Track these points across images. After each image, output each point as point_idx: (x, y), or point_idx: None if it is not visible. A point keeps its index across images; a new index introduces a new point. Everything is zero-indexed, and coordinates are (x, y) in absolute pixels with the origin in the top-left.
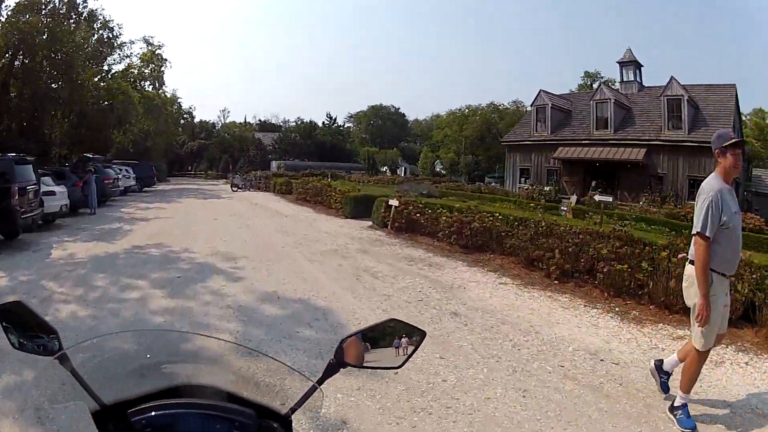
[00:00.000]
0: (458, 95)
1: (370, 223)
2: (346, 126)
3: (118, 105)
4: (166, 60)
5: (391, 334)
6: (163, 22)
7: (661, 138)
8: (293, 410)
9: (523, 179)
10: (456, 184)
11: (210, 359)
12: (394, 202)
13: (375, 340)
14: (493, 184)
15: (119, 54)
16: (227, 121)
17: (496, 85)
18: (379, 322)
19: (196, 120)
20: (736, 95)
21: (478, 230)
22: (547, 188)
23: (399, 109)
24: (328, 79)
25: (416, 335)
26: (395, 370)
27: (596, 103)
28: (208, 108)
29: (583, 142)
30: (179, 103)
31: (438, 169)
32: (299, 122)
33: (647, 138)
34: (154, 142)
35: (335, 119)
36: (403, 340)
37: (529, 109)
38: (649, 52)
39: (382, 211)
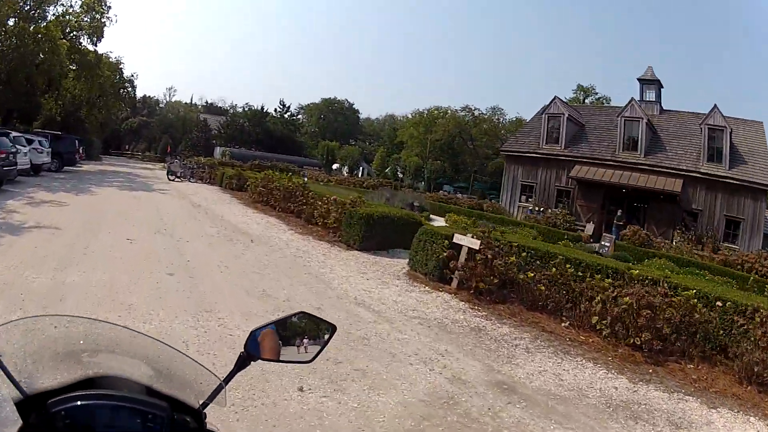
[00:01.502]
0: (417, 97)
1: (404, 266)
2: (297, 116)
3: (44, 56)
4: (109, 8)
5: (302, 328)
6: None
7: (700, 170)
8: (205, 405)
9: (524, 197)
10: (445, 196)
11: (128, 352)
12: (469, 242)
13: (286, 333)
14: (459, 195)
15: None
16: (173, 99)
17: (461, 90)
18: (289, 315)
19: (139, 95)
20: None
21: (673, 320)
22: (556, 211)
23: (353, 104)
24: (281, 67)
25: (327, 329)
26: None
27: (625, 120)
28: (152, 85)
29: (607, 162)
30: (121, 69)
31: (396, 173)
32: (247, 108)
33: (684, 168)
34: (90, 113)
35: (288, 107)
36: (309, 336)
37: (511, 117)
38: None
39: (444, 254)
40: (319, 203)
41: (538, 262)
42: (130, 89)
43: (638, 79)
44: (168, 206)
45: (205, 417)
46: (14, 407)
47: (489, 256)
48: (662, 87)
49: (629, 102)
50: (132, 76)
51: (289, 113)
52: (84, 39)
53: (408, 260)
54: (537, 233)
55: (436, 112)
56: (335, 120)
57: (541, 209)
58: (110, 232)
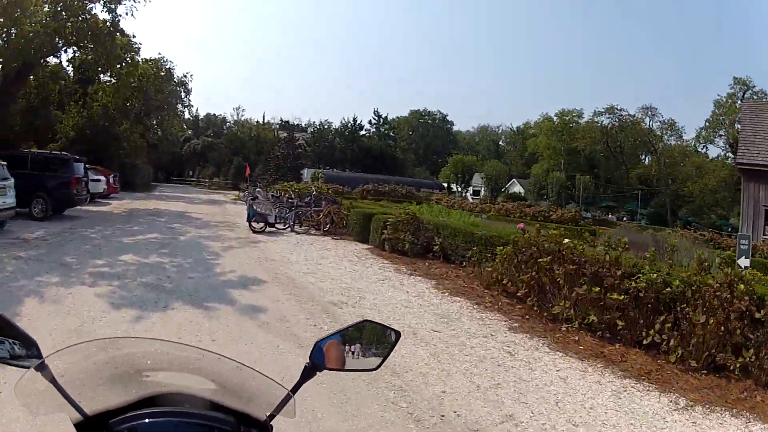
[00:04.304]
0: (510, 106)
1: None
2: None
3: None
4: None
5: (366, 336)
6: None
7: None
8: (272, 417)
9: None
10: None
11: (192, 368)
12: None
13: (351, 341)
14: (610, 217)
15: None
16: (241, 119)
17: (557, 96)
18: (353, 324)
19: (201, 114)
20: None
21: None
22: None
23: (446, 115)
24: (355, 81)
25: (391, 336)
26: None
27: None
28: (214, 106)
29: None
30: (169, 70)
31: (516, 191)
32: (326, 124)
33: None
34: (134, 130)
35: (385, 118)
36: (377, 342)
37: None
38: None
39: None
40: None
41: None
42: (184, 96)
43: None
44: None
45: (272, 429)
46: (73, 429)
47: None
48: None
49: None
50: (185, 77)
51: (386, 126)
52: (97, 5)
53: None
54: None
55: (568, 116)
56: (426, 134)
57: None
58: None
